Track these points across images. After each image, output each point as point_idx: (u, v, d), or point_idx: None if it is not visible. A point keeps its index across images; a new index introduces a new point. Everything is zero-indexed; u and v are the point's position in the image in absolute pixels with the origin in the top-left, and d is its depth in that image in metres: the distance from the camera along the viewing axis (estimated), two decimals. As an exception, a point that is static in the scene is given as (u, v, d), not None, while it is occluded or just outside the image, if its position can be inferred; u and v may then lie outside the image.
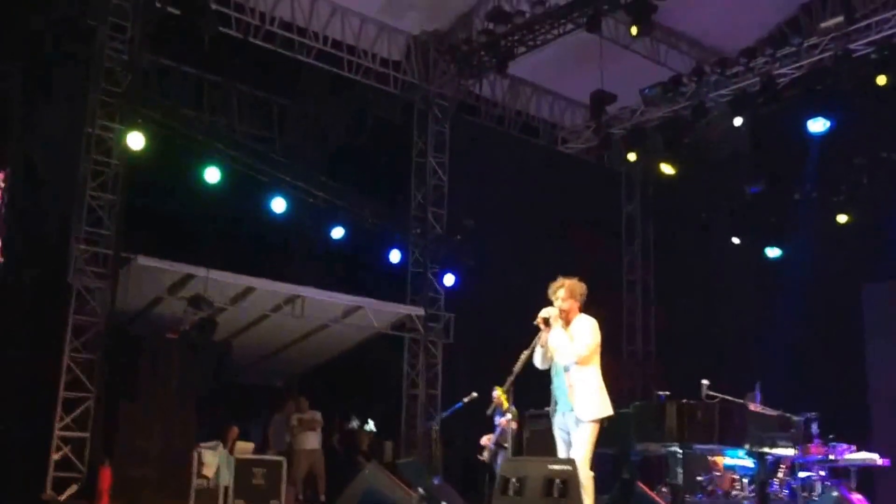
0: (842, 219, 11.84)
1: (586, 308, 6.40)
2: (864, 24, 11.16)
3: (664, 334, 15.53)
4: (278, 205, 11.91)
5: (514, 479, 5.60)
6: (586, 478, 5.98)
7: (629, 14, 10.91)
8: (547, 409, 6.40)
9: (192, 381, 11.03)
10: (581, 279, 6.41)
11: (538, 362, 6.28)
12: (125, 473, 9.78)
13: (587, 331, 6.19)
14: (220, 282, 11.11)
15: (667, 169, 13.05)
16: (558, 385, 6.24)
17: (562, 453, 6.21)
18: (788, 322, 12.60)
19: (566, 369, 6.18)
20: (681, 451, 7.13)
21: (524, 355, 6.18)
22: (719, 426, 7.33)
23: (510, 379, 6.20)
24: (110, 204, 10.68)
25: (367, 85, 13.15)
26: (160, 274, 10.89)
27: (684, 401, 7.30)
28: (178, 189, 11.38)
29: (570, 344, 6.13)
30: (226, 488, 10.62)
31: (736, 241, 13.05)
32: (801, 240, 12.38)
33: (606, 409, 6.18)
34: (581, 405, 6.10)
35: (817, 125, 11.31)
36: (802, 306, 12.37)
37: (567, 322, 6.27)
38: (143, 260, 10.48)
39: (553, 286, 6.35)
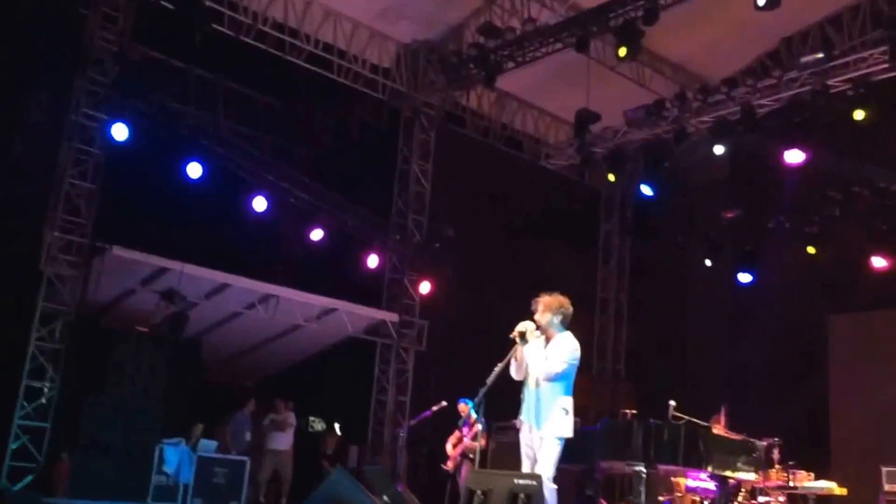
0: (812, 250, 12.02)
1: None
2: (842, 61, 11.39)
3: (634, 354, 15.67)
4: (259, 203, 11.89)
5: (479, 492, 5.63)
6: (550, 493, 6.02)
7: (617, 37, 11.04)
8: (514, 421, 6.44)
9: (159, 376, 10.97)
10: (563, 294, 6.36)
11: (514, 373, 6.26)
12: (84, 466, 9.68)
13: (565, 351, 6.15)
14: (195, 277, 11.09)
15: (646, 190, 13.19)
16: (528, 398, 6.26)
17: (526, 468, 6.24)
18: (756, 347, 12.78)
19: (538, 384, 6.20)
20: (645, 470, 7.20)
21: (498, 368, 6.18)
22: (684, 447, 7.42)
23: (482, 391, 6.21)
24: (89, 193, 10.63)
25: (355, 90, 13.19)
26: (134, 266, 10.85)
27: (651, 421, 7.38)
28: (158, 182, 11.32)
29: (543, 361, 6.14)
30: (185, 486, 10.56)
31: (709, 263, 13.20)
32: (773, 267, 12.55)
33: (566, 431, 6.13)
34: (545, 422, 6.11)
35: (794, 156, 11.49)
36: (770, 332, 12.57)
37: (548, 338, 6.24)
38: (118, 251, 10.44)
39: (536, 301, 6.30)
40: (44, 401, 10.20)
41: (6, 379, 10.16)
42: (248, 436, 11.89)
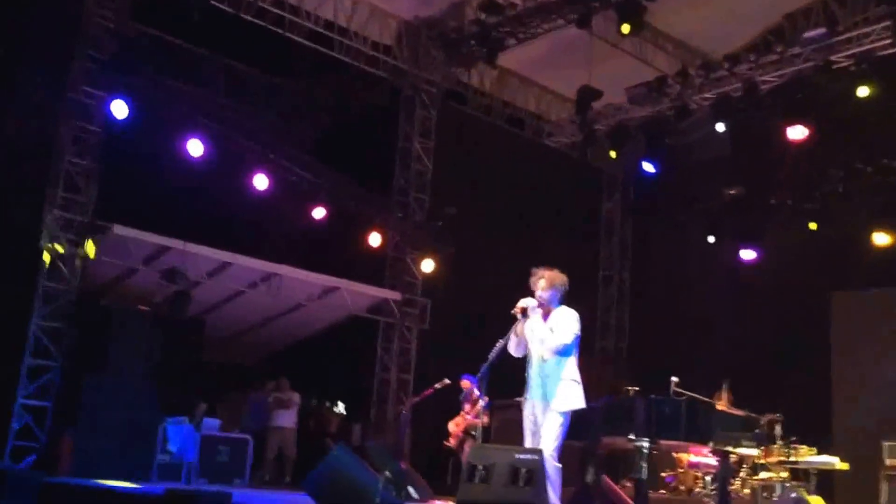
0: (814, 226, 11.98)
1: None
2: (845, 36, 11.30)
3: (637, 331, 15.67)
4: (260, 181, 11.87)
5: (480, 467, 5.65)
6: (552, 469, 6.05)
7: (619, 13, 10.95)
8: (517, 399, 6.46)
9: (161, 354, 10.97)
10: (561, 271, 6.42)
11: (512, 350, 6.30)
12: (87, 445, 9.70)
13: (568, 323, 6.20)
14: (197, 255, 11.08)
15: (647, 168, 13.13)
16: (533, 375, 6.28)
17: (528, 443, 6.26)
18: (759, 324, 12.78)
19: (542, 360, 6.22)
20: (647, 446, 7.21)
21: (500, 344, 6.22)
22: (685, 423, 7.42)
23: (485, 367, 6.24)
24: (88, 171, 10.59)
25: (356, 67, 13.09)
26: (136, 244, 10.83)
27: (652, 396, 7.38)
28: (159, 160, 11.29)
29: (550, 335, 6.15)
30: (189, 465, 10.61)
31: (711, 240, 13.16)
32: (775, 244, 12.51)
33: (579, 402, 6.23)
34: (555, 397, 6.14)
35: (796, 132, 11.42)
36: (773, 309, 12.55)
37: (546, 313, 6.28)
38: (118, 229, 10.42)
39: (534, 276, 6.36)
40: (46, 380, 10.20)
41: (9, 358, 10.17)
42: (266, 417, 11.94)
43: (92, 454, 9.69)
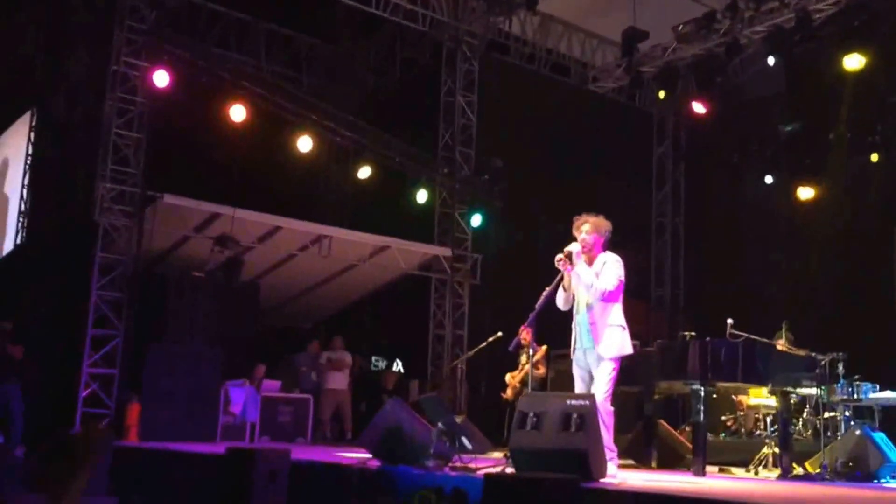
0: (875, 157, 11.54)
1: (616, 251, 6.37)
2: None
3: (693, 278, 15.40)
4: (305, 144, 11.88)
5: (531, 414, 5.60)
6: (606, 412, 6.02)
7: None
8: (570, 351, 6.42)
9: (218, 320, 11.17)
10: (606, 218, 6.38)
11: (560, 304, 6.30)
12: (152, 410, 9.97)
13: (612, 268, 6.17)
14: (247, 221, 11.17)
15: (699, 108, 12.78)
16: (580, 322, 6.25)
17: (579, 391, 6.24)
18: (819, 263, 12.43)
19: (589, 307, 6.16)
20: (703, 389, 7.08)
21: (546, 291, 6.19)
22: (742, 365, 7.26)
23: (532, 315, 6.21)
24: (136, 142, 10.73)
25: (395, 23, 12.96)
26: (186, 213, 10.97)
27: (707, 339, 7.23)
28: (204, 128, 11.39)
29: (596, 280, 6.10)
30: (252, 425, 10.83)
31: (769, 180, 12.79)
32: (834, 181, 12.11)
33: (627, 348, 6.22)
34: (603, 343, 6.12)
35: (853, 62, 10.97)
36: (834, 246, 12.18)
37: (591, 259, 6.24)
38: (169, 199, 10.55)
39: (577, 221, 6.33)
40: (110, 349, 10.47)
41: (74, 329, 10.47)
42: (313, 375, 12.09)
43: (158, 419, 9.95)
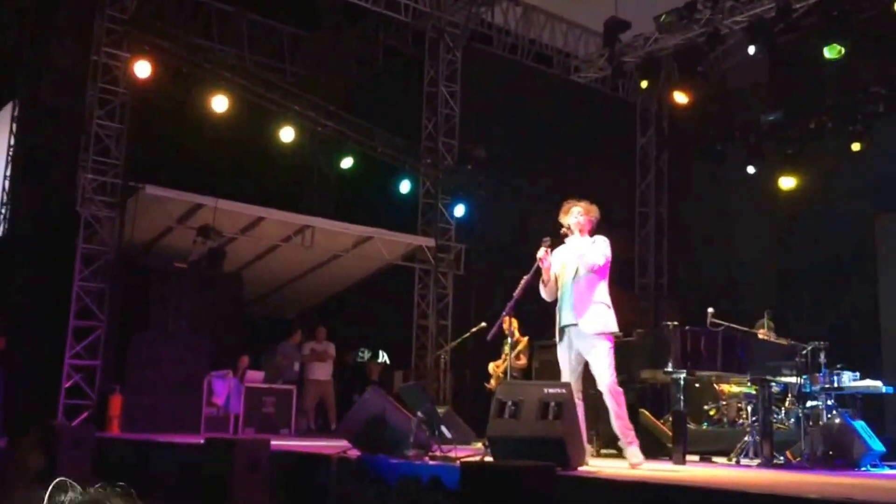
0: (857, 146, 11.59)
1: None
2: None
3: (677, 267, 15.46)
4: (287, 134, 11.85)
5: (509, 403, 5.63)
6: (616, 393, 6.17)
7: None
8: (555, 339, 6.45)
9: (201, 311, 11.16)
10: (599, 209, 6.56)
11: (545, 296, 6.41)
12: (135, 401, 9.96)
13: (601, 245, 6.33)
14: (230, 212, 11.14)
15: (681, 98, 12.80)
16: (564, 298, 6.30)
17: (566, 378, 6.26)
18: (803, 251, 12.52)
19: (576, 280, 6.25)
20: (683, 378, 7.12)
21: (524, 280, 6.22)
22: (722, 354, 7.31)
23: (509, 304, 6.25)
24: (117, 133, 10.66)
25: (378, 13, 12.91)
26: (169, 203, 10.93)
27: (687, 328, 7.27)
28: (186, 118, 11.34)
29: (589, 248, 6.25)
30: (236, 416, 10.83)
31: (751, 170, 12.84)
32: (817, 169, 12.17)
33: (612, 325, 6.27)
34: (585, 317, 6.18)
35: (834, 52, 11.00)
36: (816, 235, 12.26)
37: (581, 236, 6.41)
38: (151, 189, 10.50)
39: (568, 204, 6.45)
40: (92, 340, 10.43)
41: (56, 320, 10.42)
42: (296, 366, 12.10)
43: (141, 410, 9.98)
